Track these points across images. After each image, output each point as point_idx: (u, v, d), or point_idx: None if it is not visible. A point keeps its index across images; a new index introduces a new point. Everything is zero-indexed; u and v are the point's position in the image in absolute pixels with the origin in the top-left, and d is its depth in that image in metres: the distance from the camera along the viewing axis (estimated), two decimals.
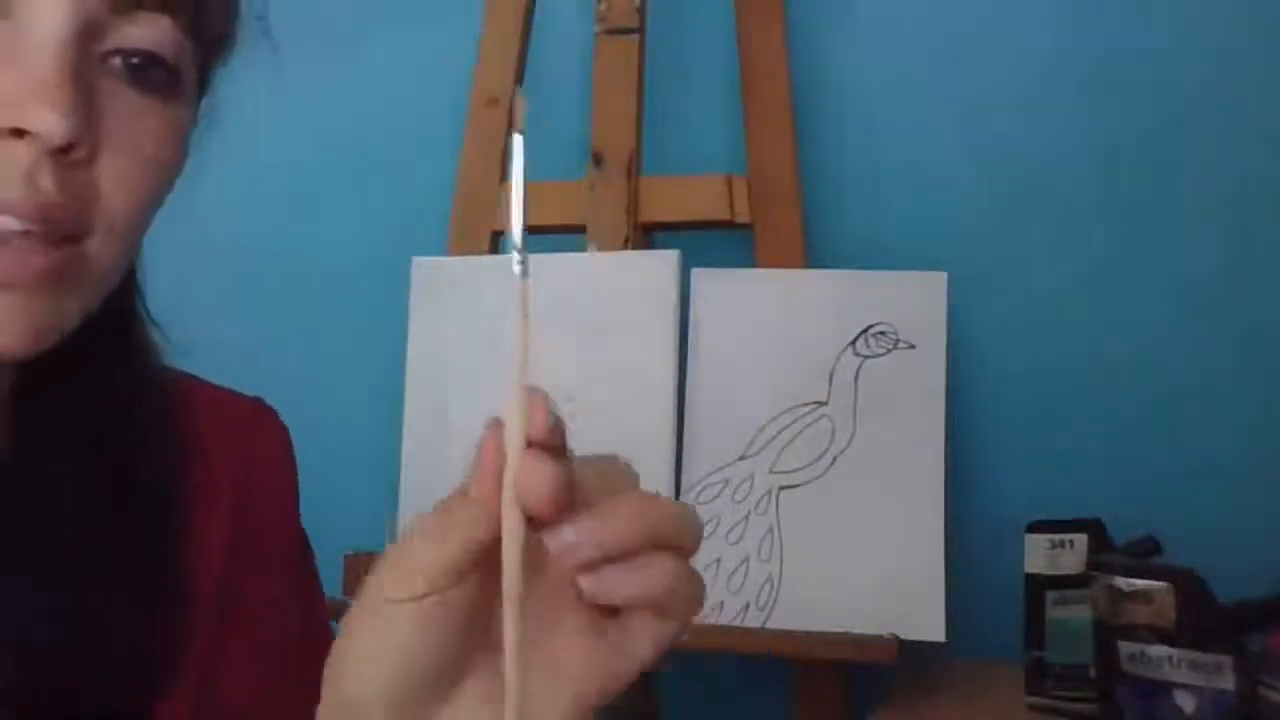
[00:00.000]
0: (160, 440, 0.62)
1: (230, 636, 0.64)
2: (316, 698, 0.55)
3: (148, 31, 0.53)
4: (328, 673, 0.45)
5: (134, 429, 0.61)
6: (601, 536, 0.42)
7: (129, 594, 0.58)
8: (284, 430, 0.72)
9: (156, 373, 0.64)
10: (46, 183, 0.49)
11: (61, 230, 0.51)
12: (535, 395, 0.41)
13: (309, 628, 0.70)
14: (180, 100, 0.55)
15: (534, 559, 0.42)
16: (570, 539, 0.41)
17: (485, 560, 0.42)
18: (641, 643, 0.44)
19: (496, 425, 0.41)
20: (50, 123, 0.48)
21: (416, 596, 0.42)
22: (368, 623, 0.43)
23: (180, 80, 0.55)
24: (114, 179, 0.52)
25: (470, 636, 0.44)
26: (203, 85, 0.59)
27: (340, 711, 0.44)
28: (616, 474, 0.44)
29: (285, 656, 0.66)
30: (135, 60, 0.52)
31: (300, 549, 0.71)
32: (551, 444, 0.41)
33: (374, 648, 0.43)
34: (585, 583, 0.42)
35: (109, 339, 0.60)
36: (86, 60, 0.51)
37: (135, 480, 0.60)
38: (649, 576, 0.42)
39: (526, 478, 0.40)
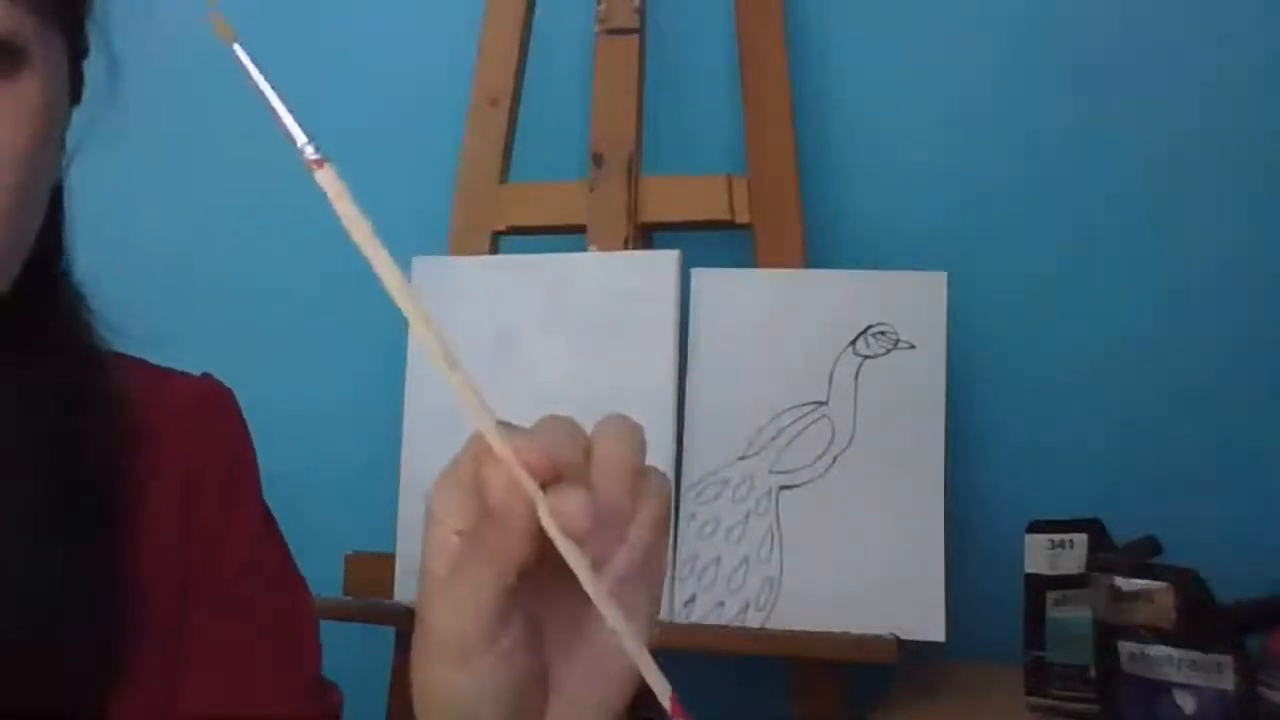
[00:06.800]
0: (106, 428, 0.60)
1: (192, 628, 0.63)
2: (299, 677, 0.54)
3: None
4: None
5: (77, 417, 0.59)
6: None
7: (77, 589, 0.56)
8: (236, 408, 0.69)
9: (98, 358, 0.62)
10: None
11: None
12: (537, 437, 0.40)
13: (284, 603, 0.68)
14: (24, 78, 0.53)
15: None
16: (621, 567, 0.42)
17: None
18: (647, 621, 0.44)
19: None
20: None
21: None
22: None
23: (22, 57, 0.53)
24: None
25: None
26: (76, 77, 0.58)
27: None
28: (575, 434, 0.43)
29: (259, 640, 0.65)
30: None
31: (264, 526, 0.69)
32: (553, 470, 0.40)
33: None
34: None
35: (27, 328, 0.58)
36: None
37: (82, 471, 0.59)
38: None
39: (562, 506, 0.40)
